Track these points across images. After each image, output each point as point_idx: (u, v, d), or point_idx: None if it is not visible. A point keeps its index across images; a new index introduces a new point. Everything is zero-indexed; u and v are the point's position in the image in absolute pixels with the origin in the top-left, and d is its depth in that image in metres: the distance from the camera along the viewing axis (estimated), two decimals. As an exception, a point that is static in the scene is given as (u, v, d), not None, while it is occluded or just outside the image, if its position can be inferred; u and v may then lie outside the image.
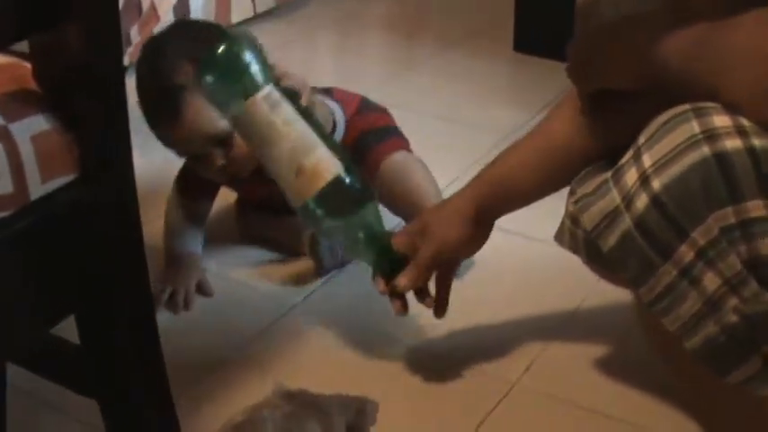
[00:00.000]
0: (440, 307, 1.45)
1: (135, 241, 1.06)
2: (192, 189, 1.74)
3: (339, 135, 1.67)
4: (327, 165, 1.35)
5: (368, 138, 1.75)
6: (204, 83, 1.38)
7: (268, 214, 1.78)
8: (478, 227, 1.41)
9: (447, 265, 1.44)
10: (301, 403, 1.23)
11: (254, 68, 1.36)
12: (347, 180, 1.35)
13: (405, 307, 1.43)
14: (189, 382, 1.43)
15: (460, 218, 1.39)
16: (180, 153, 1.67)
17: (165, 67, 1.58)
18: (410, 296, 1.44)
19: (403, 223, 1.71)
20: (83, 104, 1.00)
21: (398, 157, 1.74)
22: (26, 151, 0.95)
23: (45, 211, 0.98)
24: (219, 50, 1.36)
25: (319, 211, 1.35)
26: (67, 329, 1.14)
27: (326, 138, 1.38)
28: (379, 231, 1.41)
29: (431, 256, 1.39)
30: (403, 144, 1.79)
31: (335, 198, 1.35)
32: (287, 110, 1.36)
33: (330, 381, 1.44)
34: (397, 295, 1.42)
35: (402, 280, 1.39)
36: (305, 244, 1.67)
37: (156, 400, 1.17)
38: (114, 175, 1.03)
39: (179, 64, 1.56)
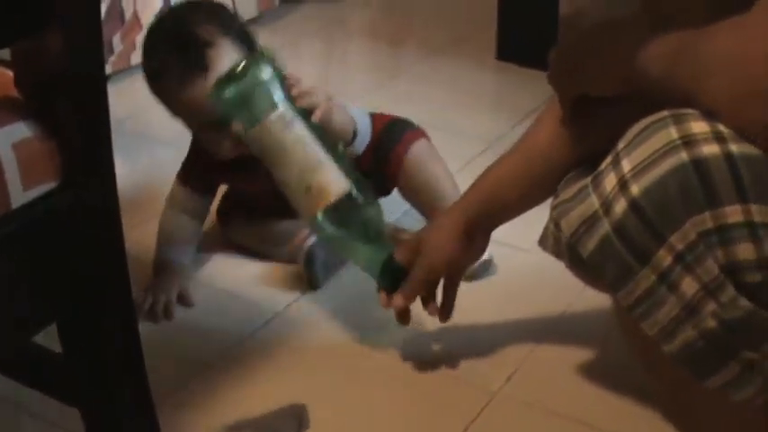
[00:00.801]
0: (443, 314, 1.49)
1: (117, 248, 1.06)
2: (194, 179, 1.74)
3: (364, 142, 1.68)
4: (335, 183, 1.40)
5: (391, 130, 1.76)
6: (220, 100, 1.41)
7: (255, 219, 1.78)
8: (471, 240, 1.44)
9: (450, 275, 1.47)
10: (255, 430, 1.25)
11: (270, 88, 1.41)
12: (353, 198, 1.41)
13: (406, 319, 1.48)
14: (171, 390, 1.43)
15: (451, 237, 1.42)
16: (193, 121, 1.65)
17: (191, 24, 1.59)
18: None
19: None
20: (64, 112, 1.00)
21: (420, 149, 1.76)
22: (7, 159, 0.95)
23: (27, 218, 0.98)
24: (237, 69, 1.40)
25: (327, 226, 1.41)
26: (48, 338, 1.14)
27: (337, 155, 1.43)
28: (382, 246, 1.46)
29: (423, 274, 1.43)
30: (422, 134, 1.80)
31: (342, 214, 1.41)
32: (298, 129, 1.41)
33: (311, 388, 1.45)
34: (398, 309, 1.46)
35: (397, 299, 1.44)
36: (300, 260, 1.68)
37: (137, 407, 1.17)
38: (96, 182, 1.03)
39: (203, 24, 1.58)
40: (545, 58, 1.48)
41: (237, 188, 1.80)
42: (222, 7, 1.70)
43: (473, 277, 1.68)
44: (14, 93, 1.03)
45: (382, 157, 1.73)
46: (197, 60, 1.57)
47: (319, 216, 1.40)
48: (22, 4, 0.94)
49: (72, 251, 1.04)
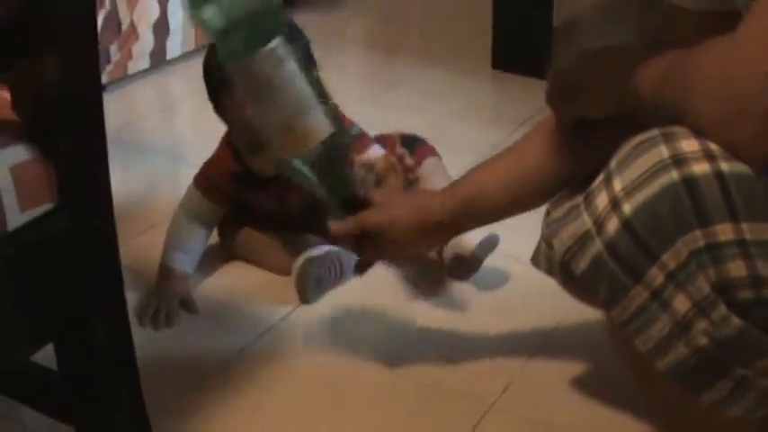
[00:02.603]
0: (359, 267, 1.49)
1: (112, 269, 1.07)
2: (213, 189, 1.74)
3: None
4: (317, 128, 1.35)
5: (404, 144, 1.76)
6: (209, 27, 1.32)
7: (256, 232, 1.79)
8: (437, 231, 1.42)
9: (389, 245, 1.44)
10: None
11: (265, 19, 1.34)
12: (331, 145, 1.36)
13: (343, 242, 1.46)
14: (167, 403, 1.43)
15: (422, 215, 1.40)
16: (249, 139, 1.65)
17: None
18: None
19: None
20: (61, 134, 1.00)
21: (432, 164, 1.79)
22: (5, 181, 0.96)
23: (23, 239, 0.98)
24: None
25: (302, 169, 1.36)
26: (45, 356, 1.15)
27: (324, 100, 1.38)
28: (348, 190, 1.42)
29: (372, 223, 1.41)
30: (434, 150, 1.84)
31: (319, 160, 1.36)
32: (289, 67, 1.35)
33: (305, 403, 1.46)
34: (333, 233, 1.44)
35: (335, 226, 1.42)
36: (293, 276, 1.69)
37: (133, 424, 1.17)
38: (92, 203, 1.03)
39: None
40: (540, 67, 1.48)
41: (251, 204, 1.80)
42: (296, 28, 1.68)
43: (481, 255, 1.68)
44: (12, 115, 1.04)
45: None
46: None
47: (295, 161, 1.36)
48: (20, 29, 0.94)
49: (68, 272, 1.04)
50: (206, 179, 1.76)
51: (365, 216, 1.41)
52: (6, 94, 1.05)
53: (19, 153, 0.99)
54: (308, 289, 1.68)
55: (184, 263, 1.72)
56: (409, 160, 1.61)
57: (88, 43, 1.00)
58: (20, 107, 1.03)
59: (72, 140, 1.01)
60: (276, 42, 1.34)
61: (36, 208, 1.00)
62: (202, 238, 1.76)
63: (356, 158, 1.58)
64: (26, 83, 1.01)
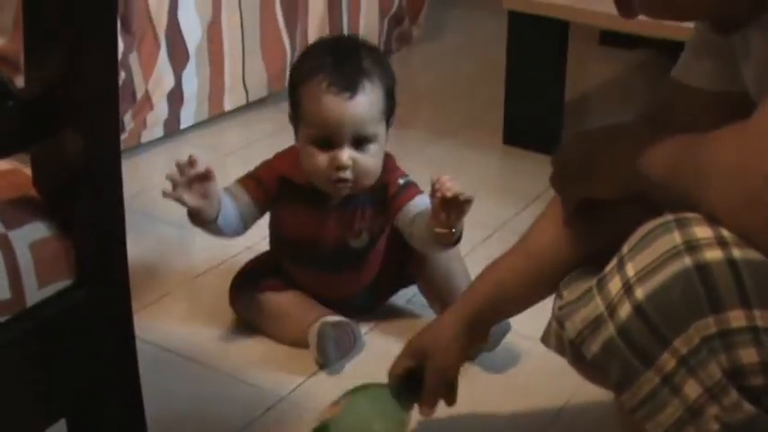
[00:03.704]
0: (450, 402, 1.50)
1: (127, 346, 1.08)
2: (255, 184, 1.73)
3: None
4: None
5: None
6: None
7: (270, 301, 1.79)
8: (474, 338, 1.46)
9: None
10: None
11: None
12: None
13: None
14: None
15: (456, 341, 1.44)
16: (309, 128, 1.67)
17: (362, 57, 1.68)
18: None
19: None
20: (81, 212, 1.02)
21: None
22: (24, 258, 0.97)
23: (41, 316, 1.00)
24: None
25: None
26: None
27: None
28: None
29: (438, 380, 1.45)
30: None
31: None
32: None
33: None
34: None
35: (425, 410, 1.46)
36: (312, 338, 1.69)
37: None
38: (109, 280, 1.05)
39: (370, 63, 1.69)
40: (551, 143, 1.50)
41: (286, 224, 1.79)
42: (388, 64, 1.77)
43: (491, 346, 1.70)
44: (33, 192, 1.05)
45: (407, 249, 1.78)
46: (351, 81, 1.64)
47: None
48: (42, 108, 0.96)
49: (83, 346, 1.05)
50: (251, 176, 1.75)
51: (429, 384, 1.44)
52: (28, 171, 1.07)
53: (38, 230, 1.00)
54: (328, 349, 1.68)
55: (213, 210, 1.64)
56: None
57: (109, 122, 1.02)
58: (41, 183, 1.04)
59: (91, 216, 1.02)
60: None
61: (53, 284, 1.01)
62: (236, 211, 1.69)
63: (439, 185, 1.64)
64: (48, 159, 1.03)
